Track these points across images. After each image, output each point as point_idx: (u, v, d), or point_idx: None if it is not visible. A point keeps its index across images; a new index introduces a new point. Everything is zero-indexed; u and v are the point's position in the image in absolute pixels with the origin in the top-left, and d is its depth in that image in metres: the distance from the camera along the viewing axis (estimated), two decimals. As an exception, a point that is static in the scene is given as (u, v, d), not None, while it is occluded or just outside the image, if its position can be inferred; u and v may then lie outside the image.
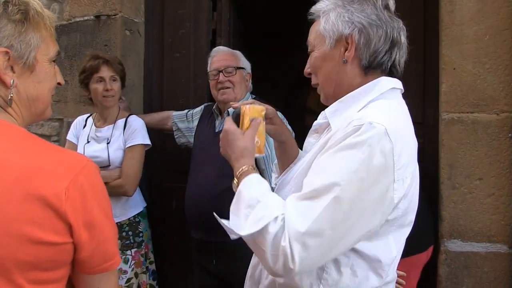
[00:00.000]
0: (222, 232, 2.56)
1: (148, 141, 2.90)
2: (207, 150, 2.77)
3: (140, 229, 2.86)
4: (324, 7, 1.44)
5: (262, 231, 1.22)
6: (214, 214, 1.43)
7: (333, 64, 1.42)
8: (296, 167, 1.50)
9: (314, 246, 1.18)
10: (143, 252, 2.87)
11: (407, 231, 1.39)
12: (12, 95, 1.18)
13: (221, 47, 2.99)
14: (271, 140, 2.60)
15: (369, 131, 1.20)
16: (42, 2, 3.63)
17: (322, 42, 1.43)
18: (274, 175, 1.85)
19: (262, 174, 2.62)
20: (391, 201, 1.24)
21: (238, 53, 2.91)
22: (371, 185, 1.20)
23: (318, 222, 1.18)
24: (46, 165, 1.10)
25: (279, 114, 2.69)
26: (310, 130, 1.56)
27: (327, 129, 1.45)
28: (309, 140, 1.55)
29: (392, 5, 1.41)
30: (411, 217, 1.38)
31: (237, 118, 1.51)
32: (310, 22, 1.52)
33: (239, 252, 2.61)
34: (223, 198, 2.54)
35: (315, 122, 1.52)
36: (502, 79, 2.55)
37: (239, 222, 1.31)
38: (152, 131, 3.42)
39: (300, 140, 2.70)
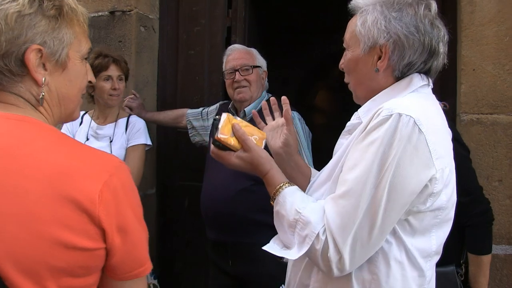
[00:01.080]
0: (238, 232, 2.58)
1: (150, 142, 2.92)
2: (223, 149, 2.76)
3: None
4: (362, 5, 1.41)
5: (310, 251, 1.26)
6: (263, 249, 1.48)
7: (366, 70, 1.41)
8: (327, 169, 1.47)
9: (361, 244, 1.22)
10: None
11: (447, 228, 1.38)
12: (43, 93, 1.14)
13: (236, 45, 2.95)
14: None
15: (398, 122, 1.20)
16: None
17: (357, 45, 1.41)
18: None
19: None
20: (429, 192, 1.25)
21: (254, 50, 2.87)
22: (406, 176, 1.20)
23: (361, 218, 1.21)
24: (79, 166, 1.06)
25: (296, 114, 2.68)
26: (342, 131, 1.53)
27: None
28: (341, 141, 1.52)
29: (434, 10, 1.37)
30: (452, 213, 1.38)
31: (219, 144, 1.46)
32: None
33: (256, 252, 2.57)
34: (240, 198, 2.57)
35: (348, 123, 1.49)
36: (522, 80, 2.54)
37: (290, 243, 1.36)
38: (164, 128, 3.43)
39: (313, 141, 2.69)
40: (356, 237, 1.22)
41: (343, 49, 1.50)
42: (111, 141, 2.81)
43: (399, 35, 1.33)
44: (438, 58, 1.38)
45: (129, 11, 3.22)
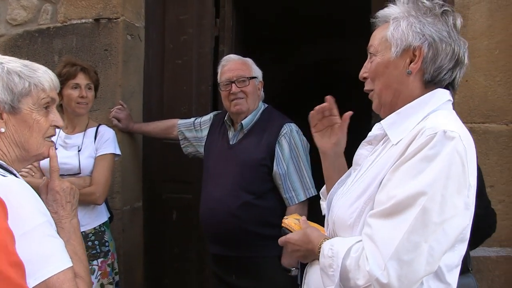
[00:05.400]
0: (242, 247, 2.55)
1: (118, 151, 2.87)
2: (222, 162, 2.70)
3: (105, 239, 2.79)
4: (395, 13, 1.42)
5: (341, 273, 1.29)
6: None
7: (396, 73, 1.40)
8: (354, 181, 1.47)
9: (411, 260, 1.19)
10: (109, 262, 2.79)
11: (467, 241, 1.39)
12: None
13: (232, 55, 2.86)
14: (287, 154, 2.58)
15: (445, 139, 1.22)
16: (32, 2, 3.42)
17: (387, 49, 1.41)
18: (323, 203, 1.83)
19: (278, 188, 2.60)
20: (471, 206, 1.27)
21: (250, 61, 2.79)
22: (455, 192, 1.22)
23: (410, 235, 1.19)
24: None
25: (294, 126, 2.68)
26: (362, 142, 1.53)
27: (383, 140, 1.44)
28: (361, 152, 1.51)
29: (459, 25, 1.41)
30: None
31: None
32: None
33: (260, 266, 2.59)
34: (242, 212, 2.54)
35: (370, 133, 1.49)
36: (511, 91, 2.68)
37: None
38: (151, 140, 3.35)
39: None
40: (406, 250, 1.19)
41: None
42: (79, 151, 2.74)
43: (433, 37, 1.34)
44: (462, 68, 1.41)
45: (115, 19, 3.11)
